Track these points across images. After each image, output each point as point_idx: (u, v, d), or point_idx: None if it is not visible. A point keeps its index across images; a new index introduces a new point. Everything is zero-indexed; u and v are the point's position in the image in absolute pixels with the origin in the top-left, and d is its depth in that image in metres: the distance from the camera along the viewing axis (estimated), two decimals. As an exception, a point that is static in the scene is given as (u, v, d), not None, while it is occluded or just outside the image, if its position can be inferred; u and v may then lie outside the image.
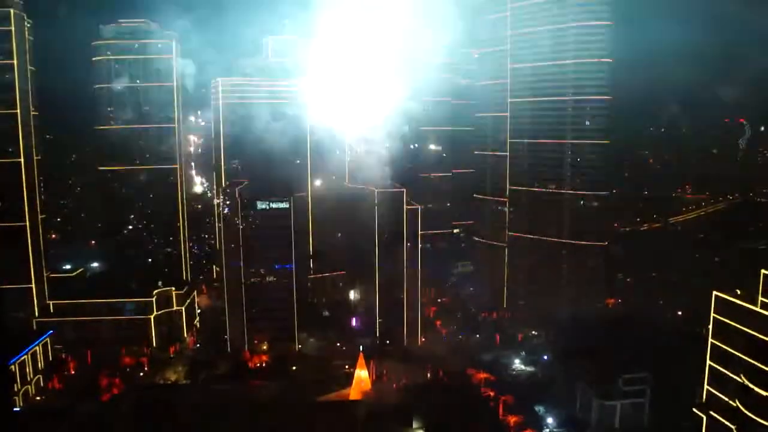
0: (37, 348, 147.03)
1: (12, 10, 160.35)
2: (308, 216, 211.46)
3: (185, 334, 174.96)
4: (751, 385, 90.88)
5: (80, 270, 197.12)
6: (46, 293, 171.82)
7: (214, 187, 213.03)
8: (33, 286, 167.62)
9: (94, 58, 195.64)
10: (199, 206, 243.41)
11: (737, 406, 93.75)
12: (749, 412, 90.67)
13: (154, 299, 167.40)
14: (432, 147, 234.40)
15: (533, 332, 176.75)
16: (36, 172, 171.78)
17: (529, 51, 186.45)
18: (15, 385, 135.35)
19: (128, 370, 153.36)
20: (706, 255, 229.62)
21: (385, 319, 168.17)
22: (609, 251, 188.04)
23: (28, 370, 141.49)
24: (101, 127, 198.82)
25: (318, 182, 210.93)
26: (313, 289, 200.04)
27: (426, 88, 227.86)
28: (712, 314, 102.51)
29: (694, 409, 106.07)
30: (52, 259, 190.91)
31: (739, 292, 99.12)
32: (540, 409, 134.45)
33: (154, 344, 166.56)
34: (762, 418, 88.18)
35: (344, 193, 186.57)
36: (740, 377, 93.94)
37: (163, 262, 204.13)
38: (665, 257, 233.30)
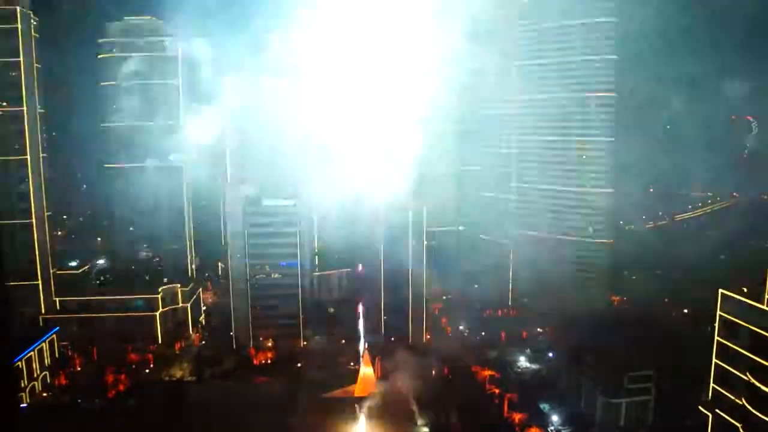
0: (43, 344, 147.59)
1: (18, 8, 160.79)
2: (313, 213, 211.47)
3: (191, 331, 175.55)
4: (757, 383, 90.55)
5: (86, 267, 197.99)
6: (53, 290, 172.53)
7: (220, 184, 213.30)
8: (39, 282, 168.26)
9: (99, 56, 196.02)
10: (205, 203, 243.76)
11: (743, 404, 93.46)
12: (755, 410, 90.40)
13: (159, 296, 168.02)
14: (439, 144, 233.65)
15: (538, 329, 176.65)
16: (42, 170, 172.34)
17: (535, 47, 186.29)
18: (21, 382, 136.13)
19: (134, 366, 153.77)
20: (712, 253, 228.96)
21: (391, 316, 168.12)
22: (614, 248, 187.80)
23: (34, 366, 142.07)
24: (107, 124, 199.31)
25: (323, 179, 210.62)
26: (318, 287, 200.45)
27: (433, 84, 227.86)
28: (719, 312, 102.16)
29: (700, 407, 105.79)
30: (59, 256, 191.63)
31: (745, 290, 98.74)
32: (545, 406, 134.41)
33: (160, 341, 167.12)
34: (767, 416, 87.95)
35: (349, 190, 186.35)
36: (746, 375, 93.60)
37: (169, 258, 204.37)
38: (671, 255, 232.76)
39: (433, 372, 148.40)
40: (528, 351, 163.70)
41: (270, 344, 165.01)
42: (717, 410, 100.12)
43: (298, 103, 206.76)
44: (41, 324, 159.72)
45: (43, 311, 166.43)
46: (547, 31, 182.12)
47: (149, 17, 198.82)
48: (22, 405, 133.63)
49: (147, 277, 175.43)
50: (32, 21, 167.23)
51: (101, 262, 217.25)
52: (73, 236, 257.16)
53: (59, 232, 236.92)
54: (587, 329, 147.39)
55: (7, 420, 50.73)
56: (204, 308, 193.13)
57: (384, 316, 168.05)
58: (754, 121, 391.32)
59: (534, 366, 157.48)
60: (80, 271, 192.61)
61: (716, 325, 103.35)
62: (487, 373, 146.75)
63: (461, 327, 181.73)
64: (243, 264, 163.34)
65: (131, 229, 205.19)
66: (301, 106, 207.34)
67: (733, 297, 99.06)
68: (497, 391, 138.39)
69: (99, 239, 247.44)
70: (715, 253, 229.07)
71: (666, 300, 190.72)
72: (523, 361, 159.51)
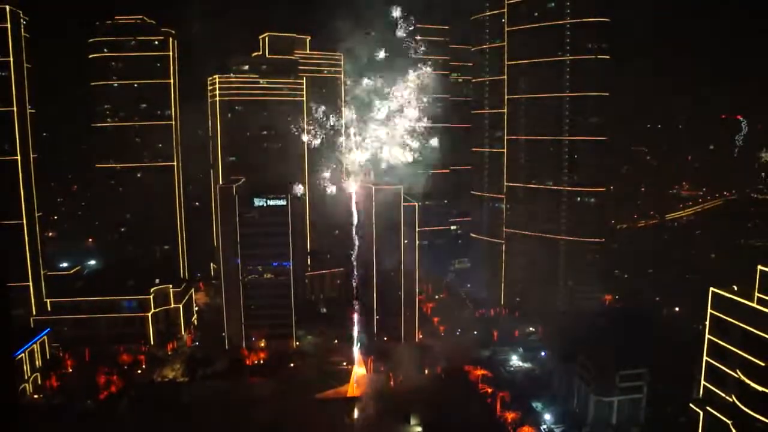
0: (34, 346, 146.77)
1: (8, 7, 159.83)
2: (305, 213, 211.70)
3: (183, 332, 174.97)
4: (747, 381, 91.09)
5: (77, 268, 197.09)
6: (44, 291, 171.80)
7: (212, 184, 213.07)
8: (30, 284, 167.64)
9: (90, 55, 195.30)
10: (197, 203, 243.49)
11: (734, 401, 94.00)
12: (746, 407, 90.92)
13: (151, 297, 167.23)
14: (429, 144, 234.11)
15: (530, 328, 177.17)
16: (33, 170, 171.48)
17: (526, 47, 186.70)
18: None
19: (126, 367, 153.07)
20: (702, 251, 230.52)
21: (383, 315, 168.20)
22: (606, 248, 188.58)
23: (25, 368, 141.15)
24: (98, 125, 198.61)
25: (315, 179, 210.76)
26: (310, 286, 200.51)
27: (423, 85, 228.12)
28: (709, 310, 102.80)
29: (691, 405, 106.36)
30: (50, 257, 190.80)
31: (735, 288, 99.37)
32: (537, 405, 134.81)
33: (152, 342, 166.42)
34: (758, 414, 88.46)
35: (342, 190, 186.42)
36: (737, 373, 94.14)
37: (160, 259, 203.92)
38: (662, 254, 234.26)
39: (426, 371, 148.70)
40: (520, 350, 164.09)
41: (262, 344, 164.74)
42: (708, 407, 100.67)
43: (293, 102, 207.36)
44: (32, 325, 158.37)
45: (34, 313, 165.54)
46: (540, 31, 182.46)
47: (140, 17, 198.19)
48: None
49: (138, 278, 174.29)
50: (22, 20, 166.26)
51: (92, 263, 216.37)
52: (64, 237, 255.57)
53: (50, 233, 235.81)
54: (579, 328, 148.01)
55: (8, 412, 50.65)
56: (196, 309, 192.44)
57: (377, 315, 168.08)
58: (743, 120, 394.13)
59: (526, 365, 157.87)
60: (71, 272, 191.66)
61: (707, 323, 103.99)
62: (480, 372, 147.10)
63: (453, 326, 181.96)
64: (235, 264, 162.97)
65: (123, 229, 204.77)
66: (296, 104, 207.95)
67: (724, 295, 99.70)
68: (490, 390, 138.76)
69: (90, 240, 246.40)
70: (706, 251, 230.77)
71: (657, 299, 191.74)
72: (515, 360, 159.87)
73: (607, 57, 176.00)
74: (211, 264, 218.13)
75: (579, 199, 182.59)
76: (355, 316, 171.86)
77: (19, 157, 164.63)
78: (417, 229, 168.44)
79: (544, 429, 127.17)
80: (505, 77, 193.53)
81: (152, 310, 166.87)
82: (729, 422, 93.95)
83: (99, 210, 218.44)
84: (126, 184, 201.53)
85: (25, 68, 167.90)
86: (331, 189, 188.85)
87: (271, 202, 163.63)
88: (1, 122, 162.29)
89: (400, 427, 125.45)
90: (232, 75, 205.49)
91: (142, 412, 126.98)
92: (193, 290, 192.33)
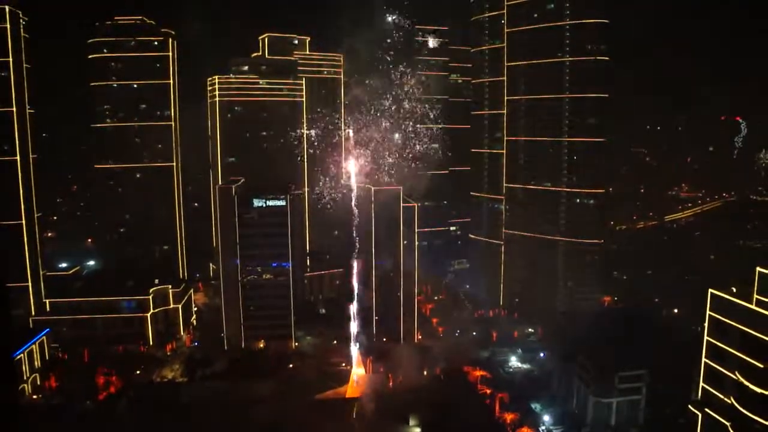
0: (33, 346, 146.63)
1: (7, 7, 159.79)
2: (305, 213, 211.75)
3: (182, 332, 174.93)
4: (746, 382, 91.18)
5: (77, 268, 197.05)
6: (43, 292, 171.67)
7: (211, 184, 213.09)
8: (29, 284, 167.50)
9: (90, 56, 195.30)
10: (196, 204, 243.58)
11: (732, 403, 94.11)
12: (744, 409, 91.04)
13: (150, 297, 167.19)
14: (429, 145, 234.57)
15: (530, 329, 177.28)
16: (32, 170, 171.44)
17: (526, 48, 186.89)
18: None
19: (125, 368, 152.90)
20: (701, 253, 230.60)
21: (382, 316, 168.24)
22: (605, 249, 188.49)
23: (24, 368, 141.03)
24: (98, 125, 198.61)
25: (314, 179, 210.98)
26: (309, 287, 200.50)
27: (423, 87, 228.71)
28: (708, 312, 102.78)
29: (690, 406, 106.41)
30: (49, 257, 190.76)
31: (734, 289, 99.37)
32: (536, 406, 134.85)
33: (151, 342, 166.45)
34: (757, 415, 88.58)
35: (341, 191, 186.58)
36: (735, 374, 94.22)
37: (160, 259, 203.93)
38: (661, 255, 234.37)
39: (425, 372, 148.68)
40: (519, 351, 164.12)
41: (261, 345, 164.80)
42: (707, 409, 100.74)
43: (292, 103, 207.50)
44: (31, 326, 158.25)
45: (33, 313, 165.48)
46: (540, 32, 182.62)
47: (140, 17, 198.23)
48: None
49: (138, 279, 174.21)
50: (21, 20, 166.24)
51: (92, 263, 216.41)
52: (63, 237, 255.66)
53: (49, 234, 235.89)
54: (578, 329, 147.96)
55: (7, 412, 50.62)
56: (195, 309, 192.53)
57: (376, 316, 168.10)
58: (743, 122, 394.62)
59: (525, 366, 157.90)
60: (71, 272, 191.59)
61: (706, 324, 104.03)
62: (479, 373, 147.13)
63: (452, 327, 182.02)
64: (234, 265, 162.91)
65: (122, 230, 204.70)
66: (296, 105, 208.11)
67: (723, 297, 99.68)
68: (489, 391, 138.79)
69: (89, 240, 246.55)
70: (705, 253, 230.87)
71: (656, 300, 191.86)
72: (514, 361, 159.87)
73: (607, 58, 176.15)
74: (211, 264, 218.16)
75: (578, 200, 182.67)
76: (354, 317, 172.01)
77: (18, 158, 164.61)
78: (416, 230, 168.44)
79: (543, 430, 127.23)
80: (505, 78, 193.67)
81: (151, 311, 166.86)
82: (728, 424, 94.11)
83: (98, 210, 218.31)
84: (125, 184, 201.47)
85: (25, 68, 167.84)
86: (331, 189, 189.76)
87: (270, 203, 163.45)
88: (0, 122, 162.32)
89: (399, 428, 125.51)
90: (231, 76, 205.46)
91: (142, 413, 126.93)
92: (192, 291, 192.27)
